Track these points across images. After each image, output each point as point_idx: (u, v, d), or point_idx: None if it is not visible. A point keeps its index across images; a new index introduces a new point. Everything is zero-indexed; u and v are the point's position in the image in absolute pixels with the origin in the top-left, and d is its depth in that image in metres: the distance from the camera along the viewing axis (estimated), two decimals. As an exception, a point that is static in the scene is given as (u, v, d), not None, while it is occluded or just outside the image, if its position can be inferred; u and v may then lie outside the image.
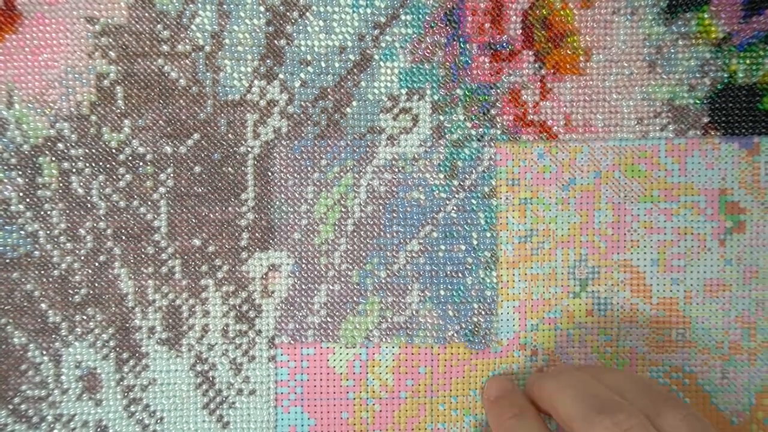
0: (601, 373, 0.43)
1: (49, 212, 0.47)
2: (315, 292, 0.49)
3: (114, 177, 0.48)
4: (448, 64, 0.48)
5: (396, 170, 0.49)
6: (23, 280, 0.47)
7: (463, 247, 0.49)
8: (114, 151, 0.47)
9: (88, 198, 0.47)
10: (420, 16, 0.48)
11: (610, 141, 0.49)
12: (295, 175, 0.48)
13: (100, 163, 0.47)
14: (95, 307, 0.48)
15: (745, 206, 0.49)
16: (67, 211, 0.47)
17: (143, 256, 0.48)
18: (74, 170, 0.47)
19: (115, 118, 0.47)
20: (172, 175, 0.48)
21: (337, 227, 0.49)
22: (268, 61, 0.48)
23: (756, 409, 0.50)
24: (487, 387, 0.48)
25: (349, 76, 0.48)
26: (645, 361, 0.49)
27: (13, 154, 0.47)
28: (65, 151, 0.47)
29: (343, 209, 0.49)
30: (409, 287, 0.49)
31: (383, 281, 0.49)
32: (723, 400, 0.50)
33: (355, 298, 0.49)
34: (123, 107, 0.47)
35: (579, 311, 0.49)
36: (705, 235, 0.49)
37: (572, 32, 0.49)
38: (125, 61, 0.47)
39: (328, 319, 0.49)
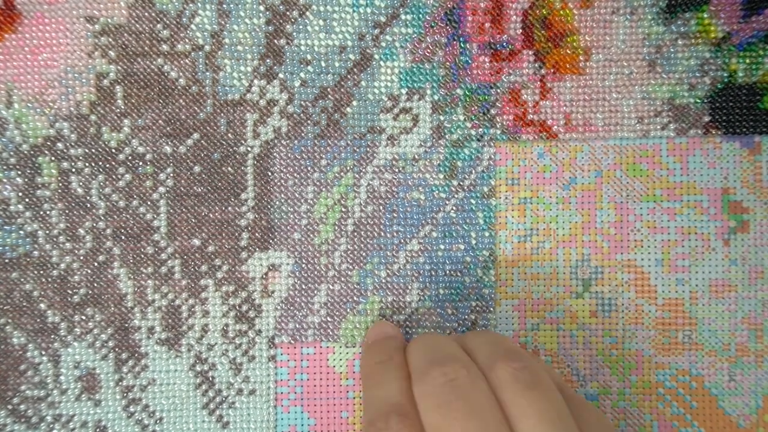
0: (465, 336, 0.42)
1: (48, 212, 0.46)
2: (315, 291, 0.47)
3: (113, 177, 0.46)
4: (448, 63, 0.47)
5: (396, 170, 0.47)
6: (22, 279, 0.46)
7: (462, 247, 0.48)
8: (113, 150, 0.46)
9: (88, 198, 0.46)
10: (420, 15, 0.47)
11: (611, 140, 0.48)
12: (295, 174, 0.47)
13: (100, 163, 0.46)
14: (94, 307, 0.46)
15: (749, 206, 0.48)
16: (67, 211, 0.46)
17: (143, 255, 0.46)
18: (74, 170, 0.46)
19: (115, 117, 0.46)
20: (171, 174, 0.47)
21: (337, 227, 0.47)
22: (267, 60, 0.47)
23: (763, 412, 0.48)
24: (368, 331, 0.46)
25: (349, 76, 0.47)
26: (651, 363, 0.48)
27: (12, 153, 0.46)
28: (65, 150, 0.46)
29: (343, 209, 0.47)
30: (409, 287, 0.47)
31: (383, 281, 0.47)
32: (730, 403, 0.48)
33: (355, 298, 0.47)
34: (123, 107, 0.46)
35: (582, 312, 0.48)
36: (709, 234, 0.48)
37: (572, 32, 0.47)
38: (125, 60, 0.46)
39: (328, 318, 0.47)
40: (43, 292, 0.46)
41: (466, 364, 0.37)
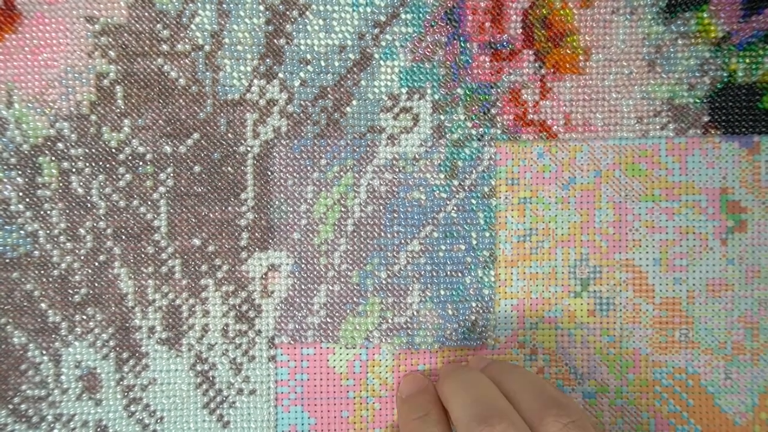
0: (501, 374, 0.42)
1: (48, 212, 0.46)
2: (315, 292, 0.47)
3: (114, 176, 0.46)
4: (448, 63, 0.47)
5: (396, 170, 0.47)
6: (23, 279, 0.46)
7: (462, 247, 0.48)
8: (114, 150, 0.46)
9: (88, 198, 0.46)
10: (420, 14, 0.47)
11: (610, 140, 0.48)
12: (295, 174, 0.47)
13: (100, 163, 0.46)
14: (95, 306, 0.46)
15: (746, 205, 0.48)
16: (67, 211, 0.46)
17: (143, 255, 0.46)
18: (74, 170, 0.46)
19: (115, 117, 0.46)
20: (171, 174, 0.46)
21: (336, 227, 0.47)
22: (267, 60, 0.46)
23: (759, 410, 0.48)
24: (401, 384, 0.47)
25: (349, 75, 0.47)
26: (648, 362, 0.48)
27: (12, 153, 0.46)
28: (65, 150, 0.46)
29: (343, 209, 0.47)
30: (410, 287, 0.47)
31: (384, 282, 0.47)
32: (726, 401, 0.48)
33: (355, 299, 0.47)
34: (123, 107, 0.46)
35: (580, 311, 0.48)
36: (707, 234, 0.48)
37: (572, 32, 0.47)
38: (125, 60, 0.46)
39: (328, 319, 0.47)
40: (43, 292, 0.46)
41: (515, 421, 0.37)
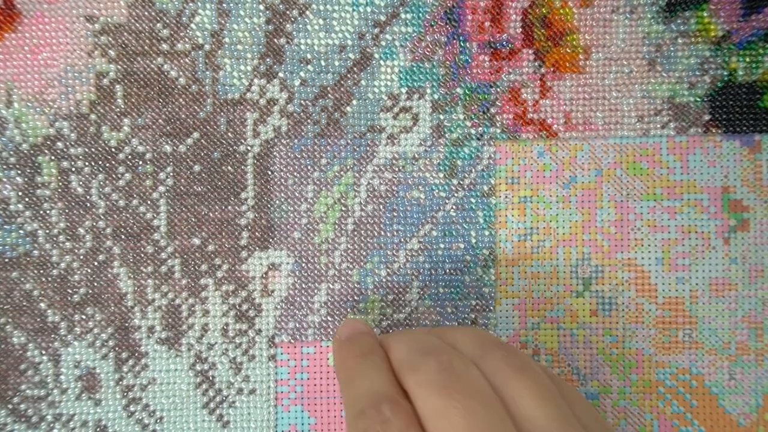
0: (443, 332, 0.41)
1: (48, 211, 0.46)
2: (315, 291, 0.47)
3: (113, 176, 0.46)
4: (448, 62, 0.47)
5: (396, 169, 0.47)
6: (22, 279, 0.46)
7: (461, 246, 0.47)
8: (113, 150, 0.46)
9: (88, 197, 0.46)
10: (420, 14, 0.47)
11: (611, 139, 0.48)
12: (295, 174, 0.47)
13: (100, 162, 0.46)
14: (94, 306, 0.46)
15: (749, 204, 0.48)
16: (67, 210, 0.46)
17: (143, 255, 0.46)
18: (73, 169, 0.46)
19: (115, 116, 0.46)
20: (171, 174, 0.46)
21: (337, 226, 0.47)
22: (267, 59, 0.46)
23: (763, 411, 0.48)
24: (340, 328, 0.43)
25: (349, 75, 0.47)
26: (652, 362, 0.47)
27: (12, 153, 0.46)
28: (64, 150, 0.46)
29: (343, 208, 0.47)
30: (409, 285, 0.47)
31: (383, 280, 0.47)
32: (730, 401, 0.48)
33: (355, 297, 0.47)
34: (122, 106, 0.46)
35: (582, 311, 0.48)
36: (709, 233, 0.48)
37: (572, 31, 0.47)
38: (125, 59, 0.46)
39: (329, 318, 0.47)
40: (43, 292, 0.46)
41: (457, 353, 0.37)
